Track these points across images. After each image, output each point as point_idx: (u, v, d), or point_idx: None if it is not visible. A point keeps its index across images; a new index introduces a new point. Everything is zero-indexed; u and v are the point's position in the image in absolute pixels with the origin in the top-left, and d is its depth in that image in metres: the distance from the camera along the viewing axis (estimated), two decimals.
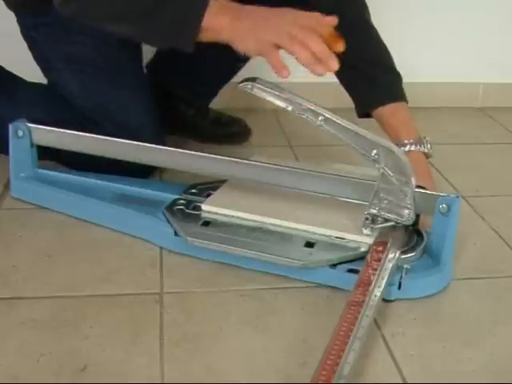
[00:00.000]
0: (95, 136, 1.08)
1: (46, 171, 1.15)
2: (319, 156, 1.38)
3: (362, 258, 0.90)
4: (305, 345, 0.80)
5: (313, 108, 0.91)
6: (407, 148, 1.06)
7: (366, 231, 0.94)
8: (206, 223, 0.99)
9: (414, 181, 0.90)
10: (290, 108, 0.92)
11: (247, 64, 1.37)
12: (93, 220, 1.06)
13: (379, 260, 0.87)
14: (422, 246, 0.94)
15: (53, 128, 1.10)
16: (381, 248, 0.90)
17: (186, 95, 1.38)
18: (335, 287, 0.91)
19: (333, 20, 0.92)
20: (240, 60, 1.35)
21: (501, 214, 1.17)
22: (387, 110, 1.11)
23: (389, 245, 0.90)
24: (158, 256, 0.98)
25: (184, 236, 0.95)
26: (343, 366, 0.68)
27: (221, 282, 0.92)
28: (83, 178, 1.13)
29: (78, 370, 0.74)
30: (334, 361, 0.69)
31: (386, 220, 0.93)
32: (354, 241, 0.94)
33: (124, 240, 1.02)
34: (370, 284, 0.82)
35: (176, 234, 0.97)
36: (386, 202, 0.93)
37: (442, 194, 0.92)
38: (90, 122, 1.14)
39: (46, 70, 1.20)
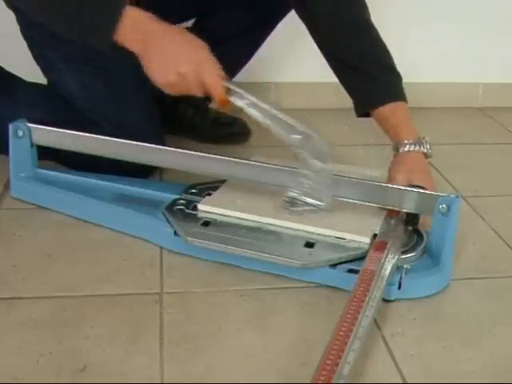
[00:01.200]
0: (95, 136, 1.08)
1: (45, 171, 1.15)
2: None
3: (361, 258, 0.90)
4: (305, 345, 0.80)
5: (239, 91, 0.94)
6: (407, 148, 1.06)
7: (285, 213, 0.96)
8: (206, 223, 0.99)
9: (331, 166, 0.94)
10: None
11: (247, 65, 1.37)
12: (92, 220, 1.06)
13: (379, 260, 0.87)
14: (421, 246, 0.94)
15: (53, 128, 1.10)
16: (381, 248, 0.90)
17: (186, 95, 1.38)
18: (335, 287, 0.91)
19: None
20: (240, 59, 1.36)
21: (501, 214, 1.17)
22: (387, 110, 1.11)
23: (389, 245, 0.90)
24: (158, 256, 0.98)
25: (184, 236, 0.95)
26: (343, 366, 0.68)
27: (221, 282, 0.92)
28: (83, 178, 1.13)
29: (77, 370, 0.74)
30: (334, 361, 0.68)
31: (306, 204, 0.96)
32: (353, 241, 0.94)
33: (124, 240, 1.02)
34: (369, 284, 0.82)
35: (176, 233, 0.97)
36: (306, 186, 0.95)
37: (441, 194, 0.92)
38: (90, 122, 1.14)
39: (45, 70, 1.20)
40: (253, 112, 0.95)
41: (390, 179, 1.03)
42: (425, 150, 1.07)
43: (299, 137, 0.94)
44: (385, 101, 1.11)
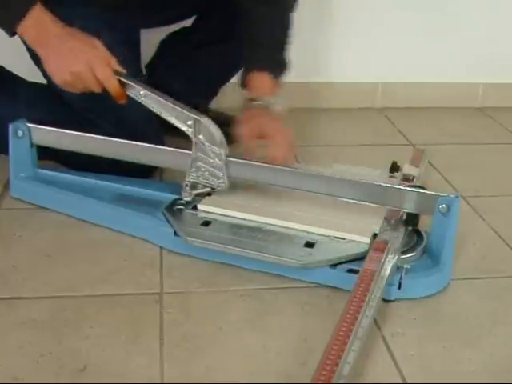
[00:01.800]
0: (95, 136, 1.08)
1: (45, 171, 1.15)
2: (318, 156, 1.38)
3: (362, 258, 0.90)
4: (305, 345, 0.80)
5: (132, 84, 1.01)
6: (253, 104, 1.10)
7: (184, 195, 1.03)
8: (206, 223, 0.99)
9: (224, 150, 1.00)
10: None
11: None
12: (92, 220, 1.06)
13: (379, 260, 0.87)
14: (421, 246, 0.94)
15: (53, 128, 1.10)
16: (381, 248, 0.90)
17: (186, 95, 1.38)
18: (335, 287, 0.91)
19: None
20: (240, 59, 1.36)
21: (501, 214, 1.17)
22: (250, 76, 1.14)
23: (389, 245, 0.90)
24: (158, 256, 0.98)
25: (184, 236, 0.95)
26: (343, 366, 0.68)
27: (221, 282, 0.92)
28: (83, 178, 1.13)
29: (77, 370, 0.74)
30: (334, 361, 0.68)
31: (205, 186, 1.02)
32: (353, 241, 0.94)
33: (124, 240, 1.02)
34: (369, 284, 0.82)
35: (176, 234, 0.97)
36: (203, 169, 1.01)
37: (441, 193, 0.92)
38: (89, 122, 1.14)
39: (44, 71, 1.19)
40: (147, 102, 1.01)
41: (238, 136, 1.08)
42: (262, 103, 1.10)
43: (191, 122, 1.00)
44: (253, 68, 1.14)
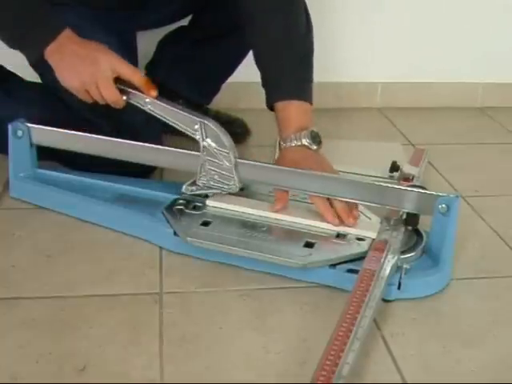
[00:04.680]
0: (95, 136, 1.08)
1: (45, 171, 1.15)
2: None
3: (361, 258, 0.90)
4: (305, 345, 0.80)
5: (137, 93, 1.00)
6: (288, 143, 1.04)
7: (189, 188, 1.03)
8: (206, 223, 0.99)
9: (233, 152, 0.99)
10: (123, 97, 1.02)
11: (247, 65, 1.37)
12: (93, 220, 1.06)
13: (379, 260, 0.87)
14: (421, 246, 0.94)
15: (53, 128, 1.10)
16: (380, 248, 0.90)
17: (186, 94, 1.38)
18: (335, 287, 0.91)
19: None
20: (240, 53, 1.36)
21: (501, 214, 1.17)
22: (280, 106, 1.08)
23: (388, 245, 0.90)
24: (158, 256, 0.98)
25: (184, 236, 0.95)
26: (343, 366, 0.68)
27: (221, 282, 0.92)
28: (83, 178, 1.13)
29: (77, 370, 0.74)
30: (334, 361, 0.68)
31: (214, 188, 1.02)
32: (353, 241, 0.94)
33: (124, 240, 1.02)
34: (369, 284, 0.82)
35: (175, 234, 0.97)
36: (213, 173, 1.00)
37: (441, 193, 0.92)
38: (87, 122, 1.14)
39: (41, 74, 1.19)
40: (152, 110, 1.01)
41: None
42: (305, 143, 1.03)
43: (197, 126, 0.99)
44: (280, 97, 1.08)
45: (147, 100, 1.01)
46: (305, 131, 1.04)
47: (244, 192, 1.06)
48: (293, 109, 1.07)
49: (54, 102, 1.16)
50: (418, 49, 1.71)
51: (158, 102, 1.01)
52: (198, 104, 1.42)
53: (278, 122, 1.08)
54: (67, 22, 1.03)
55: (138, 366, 0.75)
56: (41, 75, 1.19)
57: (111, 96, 1.01)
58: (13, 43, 1.03)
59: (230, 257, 0.94)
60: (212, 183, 1.01)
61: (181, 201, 1.04)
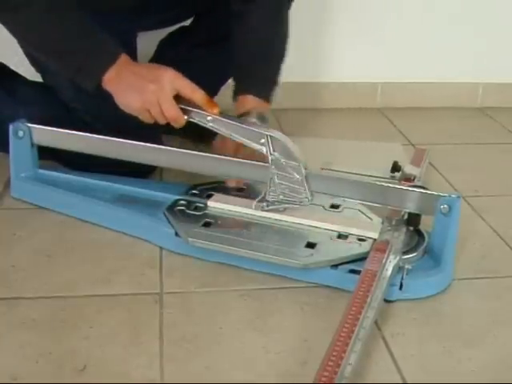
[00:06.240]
0: (95, 136, 1.08)
1: (46, 171, 1.15)
2: (318, 156, 1.38)
3: (363, 258, 0.90)
4: (305, 345, 0.80)
5: (199, 111, 0.99)
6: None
7: (259, 205, 1.00)
8: (207, 224, 0.99)
9: (303, 164, 0.96)
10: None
11: None
12: (93, 220, 1.06)
13: (381, 261, 0.87)
14: (423, 247, 0.94)
15: (53, 128, 1.09)
16: (382, 248, 0.90)
17: None
18: (336, 287, 0.91)
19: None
20: None
21: (501, 214, 1.17)
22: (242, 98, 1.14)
23: (390, 245, 0.90)
24: (158, 256, 0.98)
25: (185, 237, 0.95)
26: (345, 367, 0.68)
27: (221, 282, 0.92)
28: (83, 178, 1.13)
29: (77, 370, 0.74)
30: (336, 362, 0.68)
31: (285, 203, 0.99)
32: (355, 241, 0.94)
33: (124, 240, 1.02)
34: (371, 285, 0.82)
35: (177, 234, 0.97)
36: (283, 186, 0.97)
37: (442, 194, 0.92)
38: (87, 123, 1.14)
39: (41, 73, 1.19)
40: (215, 127, 1.00)
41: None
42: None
43: (263, 140, 0.97)
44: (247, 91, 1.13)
45: (209, 118, 0.99)
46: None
47: (244, 192, 1.06)
48: (250, 99, 1.13)
49: (56, 101, 1.16)
50: (418, 49, 1.71)
51: (221, 119, 0.99)
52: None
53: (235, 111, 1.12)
54: None
55: (138, 366, 0.75)
56: (42, 74, 1.19)
57: (173, 115, 0.99)
58: (70, 73, 1.02)
59: (231, 257, 0.94)
60: (282, 197, 0.98)
61: (182, 201, 1.04)
